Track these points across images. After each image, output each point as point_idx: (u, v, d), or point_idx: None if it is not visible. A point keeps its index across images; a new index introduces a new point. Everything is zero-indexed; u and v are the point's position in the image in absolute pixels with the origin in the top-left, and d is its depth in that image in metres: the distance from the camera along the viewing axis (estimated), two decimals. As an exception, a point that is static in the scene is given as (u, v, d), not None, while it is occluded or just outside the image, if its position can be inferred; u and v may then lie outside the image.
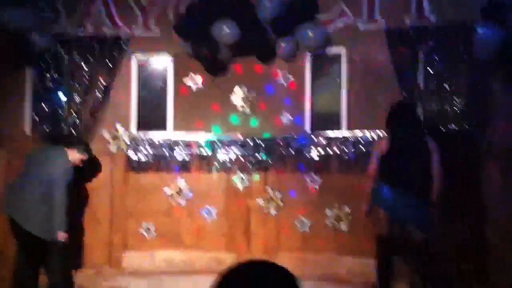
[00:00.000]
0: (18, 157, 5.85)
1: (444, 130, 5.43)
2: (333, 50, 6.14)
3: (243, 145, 6.25)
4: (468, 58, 5.33)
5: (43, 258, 5.35)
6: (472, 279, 5.34)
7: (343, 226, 5.92)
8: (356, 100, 6.03)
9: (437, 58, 5.49)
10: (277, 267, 1.67)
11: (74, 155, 5.50)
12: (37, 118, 6.38)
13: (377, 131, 5.73)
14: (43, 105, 6.36)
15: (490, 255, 5.36)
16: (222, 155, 6.29)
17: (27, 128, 6.41)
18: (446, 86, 5.44)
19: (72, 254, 5.74)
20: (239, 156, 6.24)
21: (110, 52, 6.38)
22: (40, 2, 6.31)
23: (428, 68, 5.53)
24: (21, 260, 5.38)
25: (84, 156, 5.62)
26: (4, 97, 6.43)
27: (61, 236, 5.22)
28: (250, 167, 6.23)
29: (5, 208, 5.42)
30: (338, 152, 5.92)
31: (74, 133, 6.27)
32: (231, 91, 6.38)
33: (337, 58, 6.18)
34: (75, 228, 5.84)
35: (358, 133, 5.92)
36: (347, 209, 5.92)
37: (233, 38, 5.98)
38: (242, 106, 6.37)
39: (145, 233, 6.36)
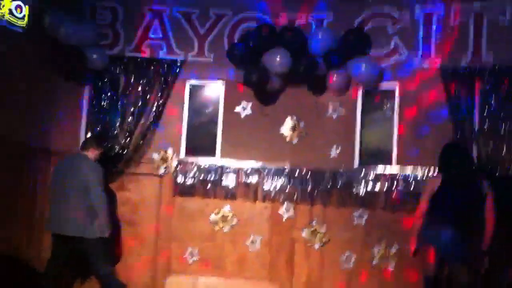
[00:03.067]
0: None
1: (498, 174, 5.30)
2: (386, 85, 6.11)
3: (290, 175, 6.25)
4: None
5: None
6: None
7: (389, 265, 5.82)
8: (407, 137, 5.95)
9: (493, 99, 5.40)
10: None
11: (93, 153, 5.82)
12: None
13: (427, 169, 5.64)
14: (97, 123, 6.51)
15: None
16: (269, 184, 6.30)
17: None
18: (501, 128, 5.33)
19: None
20: (286, 186, 6.24)
21: (164, 76, 6.51)
22: (100, 20, 6.52)
23: (483, 109, 5.43)
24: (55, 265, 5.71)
25: (100, 150, 5.90)
26: (60, 113, 6.61)
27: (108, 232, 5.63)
28: (296, 198, 6.22)
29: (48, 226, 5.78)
30: (387, 189, 5.86)
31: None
32: (280, 120, 6.40)
33: (389, 93, 6.14)
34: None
35: (408, 170, 5.84)
36: (394, 248, 5.82)
37: (284, 67, 6.03)
38: (291, 136, 6.38)
39: (189, 258, 6.40)
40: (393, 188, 5.84)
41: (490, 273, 5.01)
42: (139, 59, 6.54)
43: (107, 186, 6.17)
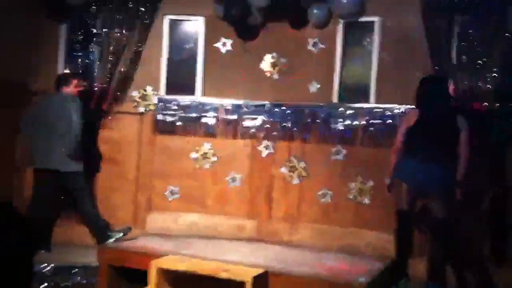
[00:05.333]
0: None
1: (474, 108, 5.21)
2: (367, 18, 5.95)
3: (270, 112, 6.20)
4: (504, 33, 5.10)
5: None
6: (491, 258, 5.24)
7: (365, 200, 5.84)
8: (386, 72, 5.84)
9: (472, 32, 5.25)
10: None
11: (75, 89, 5.85)
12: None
13: (406, 105, 5.56)
14: (76, 61, 6.42)
15: (510, 236, 5.23)
16: (248, 121, 6.27)
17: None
18: (480, 61, 5.20)
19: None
20: (265, 123, 6.20)
21: (143, 11, 6.36)
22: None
23: (462, 41, 5.29)
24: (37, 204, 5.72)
25: (79, 85, 5.92)
26: (37, 52, 6.53)
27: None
28: (276, 134, 6.19)
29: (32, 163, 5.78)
30: (365, 125, 5.80)
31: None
32: (260, 56, 6.30)
33: (370, 26, 5.98)
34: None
35: (386, 106, 5.77)
36: (370, 183, 5.82)
37: (265, 2, 5.88)
38: (271, 73, 6.29)
39: (170, 195, 6.44)
40: (371, 124, 5.77)
41: (464, 205, 5.02)
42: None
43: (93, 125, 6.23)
